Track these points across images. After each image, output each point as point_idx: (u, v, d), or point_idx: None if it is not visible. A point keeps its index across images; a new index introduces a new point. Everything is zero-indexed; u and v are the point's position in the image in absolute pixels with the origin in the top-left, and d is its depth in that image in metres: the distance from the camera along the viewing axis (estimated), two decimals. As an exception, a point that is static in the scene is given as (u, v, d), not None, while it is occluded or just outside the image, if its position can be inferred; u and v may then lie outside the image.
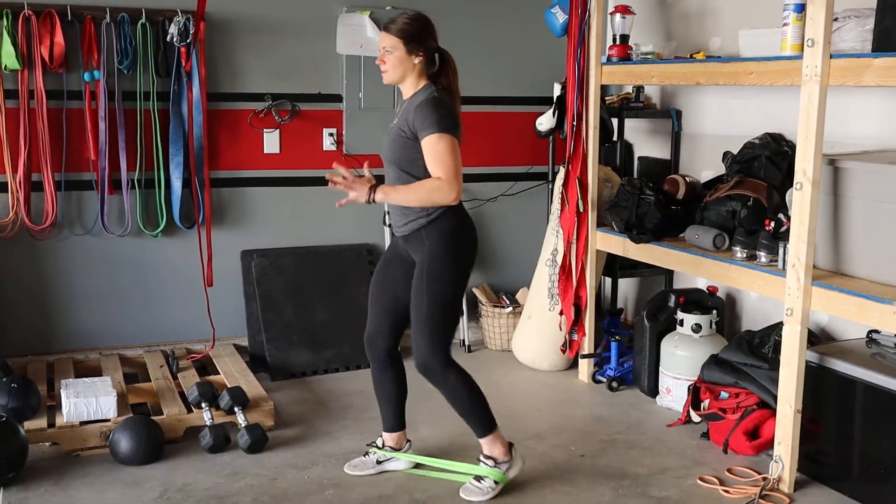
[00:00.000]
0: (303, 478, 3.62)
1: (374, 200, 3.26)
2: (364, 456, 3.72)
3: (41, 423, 3.81)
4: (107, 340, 4.79)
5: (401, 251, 3.48)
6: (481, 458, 3.50)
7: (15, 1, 4.28)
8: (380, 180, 3.32)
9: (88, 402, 3.81)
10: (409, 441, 3.76)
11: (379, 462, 3.68)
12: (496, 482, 3.47)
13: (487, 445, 3.49)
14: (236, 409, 3.97)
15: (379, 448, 3.71)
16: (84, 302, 4.72)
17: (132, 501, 3.40)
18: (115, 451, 3.70)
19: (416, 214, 3.30)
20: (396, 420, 3.70)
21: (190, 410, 4.01)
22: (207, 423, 3.88)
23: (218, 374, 4.55)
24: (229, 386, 4.15)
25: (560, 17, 4.73)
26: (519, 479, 3.63)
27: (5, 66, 4.28)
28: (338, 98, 5.07)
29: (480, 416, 3.47)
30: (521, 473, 3.66)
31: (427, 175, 3.23)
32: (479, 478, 3.48)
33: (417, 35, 3.27)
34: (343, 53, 5.02)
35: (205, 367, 4.72)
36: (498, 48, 5.40)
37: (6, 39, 4.24)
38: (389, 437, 3.71)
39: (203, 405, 3.96)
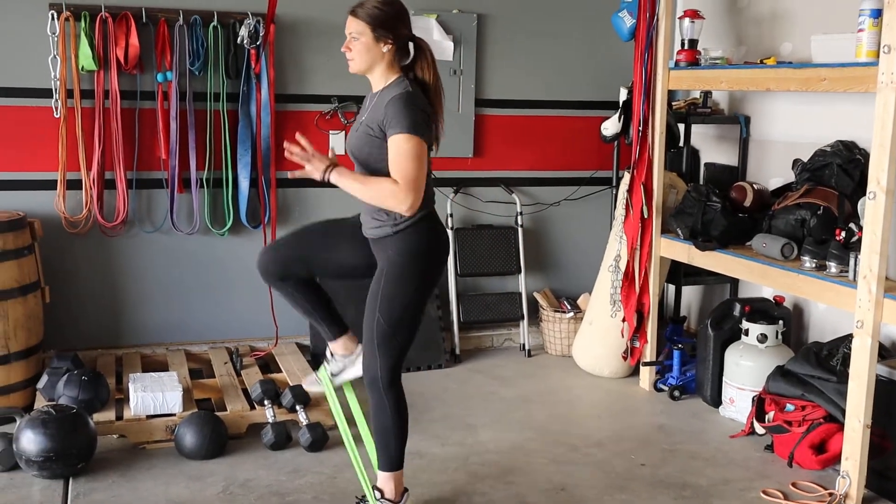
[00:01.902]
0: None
1: (328, 180, 2.98)
2: (316, 372, 3.50)
3: (110, 415, 3.91)
4: (173, 336, 4.88)
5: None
6: (373, 486, 3.25)
7: (93, 3, 4.40)
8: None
9: (155, 396, 3.90)
10: (360, 343, 3.31)
11: (334, 375, 3.41)
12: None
13: (383, 479, 3.22)
14: (298, 407, 4.02)
15: (329, 360, 3.43)
16: (152, 298, 4.82)
17: (195, 495, 3.47)
18: (179, 445, 3.77)
19: (382, 222, 3.06)
20: (335, 324, 3.36)
21: (253, 407, 4.07)
22: (270, 421, 3.93)
23: (280, 371, 4.61)
24: (291, 384, 4.20)
25: (628, 21, 4.70)
26: (579, 487, 3.61)
27: (82, 66, 4.40)
28: (403, 101, 5.09)
29: (394, 451, 3.19)
30: (575, 479, 3.65)
31: None
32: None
33: (386, 21, 2.99)
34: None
35: (267, 364, 4.79)
36: (564, 52, 5.38)
37: (84, 41, 4.36)
38: (337, 345, 3.38)
39: (266, 402, 4.02)
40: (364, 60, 3.03)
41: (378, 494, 3.22)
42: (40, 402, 3.98)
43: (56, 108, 4.42)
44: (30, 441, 3.48)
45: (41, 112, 4.45)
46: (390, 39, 3.01)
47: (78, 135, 4.47)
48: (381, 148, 2.98)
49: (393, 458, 3.21)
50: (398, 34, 3.02)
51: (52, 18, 4.35)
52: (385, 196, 2.94)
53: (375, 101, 3.06)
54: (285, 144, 3.02)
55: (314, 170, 3.00)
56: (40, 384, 4.08)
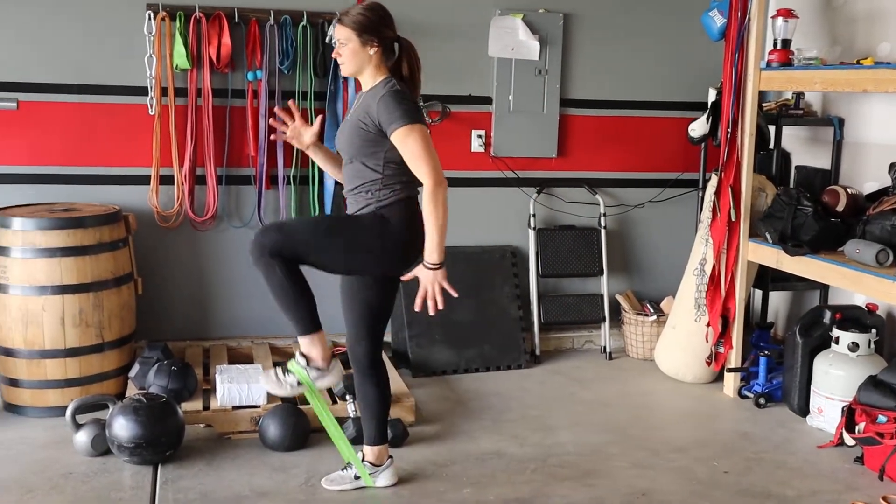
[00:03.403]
0: (441, 474, 3.67)
1: (442, 264, 3.16)
2: (342, 470, 3.55)
3: (197, 405, 4.02)
4: (258, 329, 4.98)
5: None
6: (297, 353, 3.28)
7: (187, 4, 4.52)
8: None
9: (241, 387, 3.99)
10: (390, 457, 3.56)
11: (357, 477, 3.51)
12: (299, 383, 3.28)
13: (305, 344, 3.26)
14: (379, 402, 4.05)
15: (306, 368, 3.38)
16: (239, 292, 4.92)
17: (279, 486, 3.54)
18: (263, 437, 3.85)
19: (367, 201, 3.23)
20: (379, 433, 3.51)
21: (335, 402, 4.13)
22: (351, 416, 3.98)
23: (362, 367, 4.65)
24: (373, 380, 4.24)
25: (718, 20, 4.62)
26: (660, 492, 3.57)
27: (176, 65, 4.53)
28: (487, 100, 5.11)
29: (299, 314, 3.21)
30: (656, 485, 3.60)
31: (387, 165, 3.18)
32: (285, 370, 3.29)
33: (371, 25, 3.18)
34: (494, 56, 5.05)
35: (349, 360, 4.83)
36: (651, 52, 5.32)
37: (178, 40, 4.49)
38: (370, 452, 3.52)
39: (347, 397, 4.07)
40: (354, 63, 3.22)
41: (304, 362, 3.26)
42: (132, 391, 4.12)
43: (151, 106, 4.56)
44: (122, 427, 3.59)
45: (137, 109, 4.59)
46: (375, 42, 3.20)
47: (171, 132, 4.60)
48: (374, 142, 3.18)
49: (301, 322, 3.23)
50: (383, 36, 3.22)
51: (149, 18, 4.49)
52: (437, 207, 3.11)
53: (363, 99, 3.26)
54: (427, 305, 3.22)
55: (436, 281, 3.17)
56: (132, 373, 4.22)
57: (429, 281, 3.17)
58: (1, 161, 4.53)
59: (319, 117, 3.45)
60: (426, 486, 3.56)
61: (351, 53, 3.20)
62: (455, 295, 3.22)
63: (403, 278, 3.32)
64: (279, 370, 3.30)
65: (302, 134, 3.42)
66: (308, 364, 3.27)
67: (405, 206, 3.24)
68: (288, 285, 3.16)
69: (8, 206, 4.35)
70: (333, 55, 3.28)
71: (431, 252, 3.15)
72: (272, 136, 3.57)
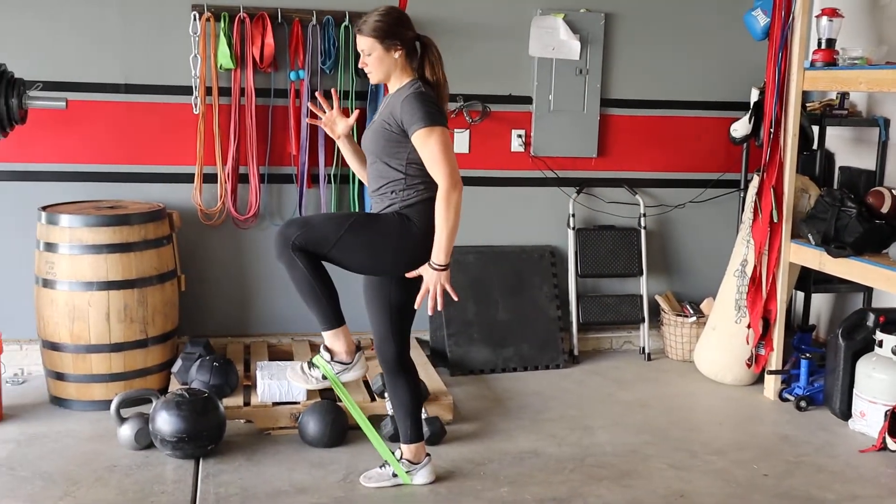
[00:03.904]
0: (479, 472, 3.68)
1: (447, 266, 3.18)
2: (381, 467, 3.58)
3: (238, 400, 4.07)
4: (298, 327, 5.02)
5: None
6: (322, 347, 3.35)
7: (232, 4, 4.58)
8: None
9: (281, 384, 4.03)
10: (428, 455, 3.58)
11: (394, 475, 3.54)
12: (324, 377, 3.34)
13: (329, 338, 3.32)
14: (417, 400, 4.08)
15: (397, 460, 3.54)
16: (279, 289, 4.96)
17: (318, 482, 3.57)
18: (303, 433, 3.89)
19: (391, 201, 3.26)
20: (414, 431, 3.52)
21: (373, 399, 4.17)
22: (389, 413, 4.00)
23: (400, 365, 4.68)
24: (411, 378, 4.27)
25: (761, 19, 4.58)
26: (698, 494, 3.55)
27: (220, 65, 4.59)
28: (528, 100, 5.11)
29: (322, 308, 3.27)
30: (694, 486, 3.58)
31: (409, 166, 3.21)
32: (310, 364, 3.36)
33: (390, 30, 3.19)
34: (535, 56, 5.05)
35: (388, 358, 4.87)
36: (693, 51, 5.28)
37: (222, 40, 4.55)
38: (407, 449, 3.54)
39: (385, 395, 4.09)
40: (381, 70, 3.25)
41: (328, 356, 3.33)
42: (174, 386, 4.19)
43: (195, 105, 4.63)
44: (164, 422, 3.66)
45: (181, 108, 4.67)
46: (398, 45, 3.22)
47: (215, 131, 4.67)
48: (397, 142, 3.21)
49: (324, 317, 3.29)
50: (404, 38, 3.23)
51: (194, 19, 4.56)
52: (448, 210, 3.13)
53: (390, 100, 3.29)
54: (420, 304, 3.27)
55: (437, 281, 3.19)
56: (175, 368, 4.29)
57: (432, 281, 3.20)
58: (50, 159, 4.63)
59: (357, 111, 3.51)
60: (463, 485, 3.58)
61: (377, 61, 3.23)
62: (455, 298, 3.25)
63: (408, 275, 3.29)
64: (305, 364, 3.40)
65: (337, 123, 3.46)
66: (332, 358, 3.34)
67: (428, 206, 3.24)
68: (310, 279, 3.23)
69: (56, 203, 4.44)
70: (360, 65, 3.30)
71: (438, 253, 3.17)
72: (308, 119, 3.65)
